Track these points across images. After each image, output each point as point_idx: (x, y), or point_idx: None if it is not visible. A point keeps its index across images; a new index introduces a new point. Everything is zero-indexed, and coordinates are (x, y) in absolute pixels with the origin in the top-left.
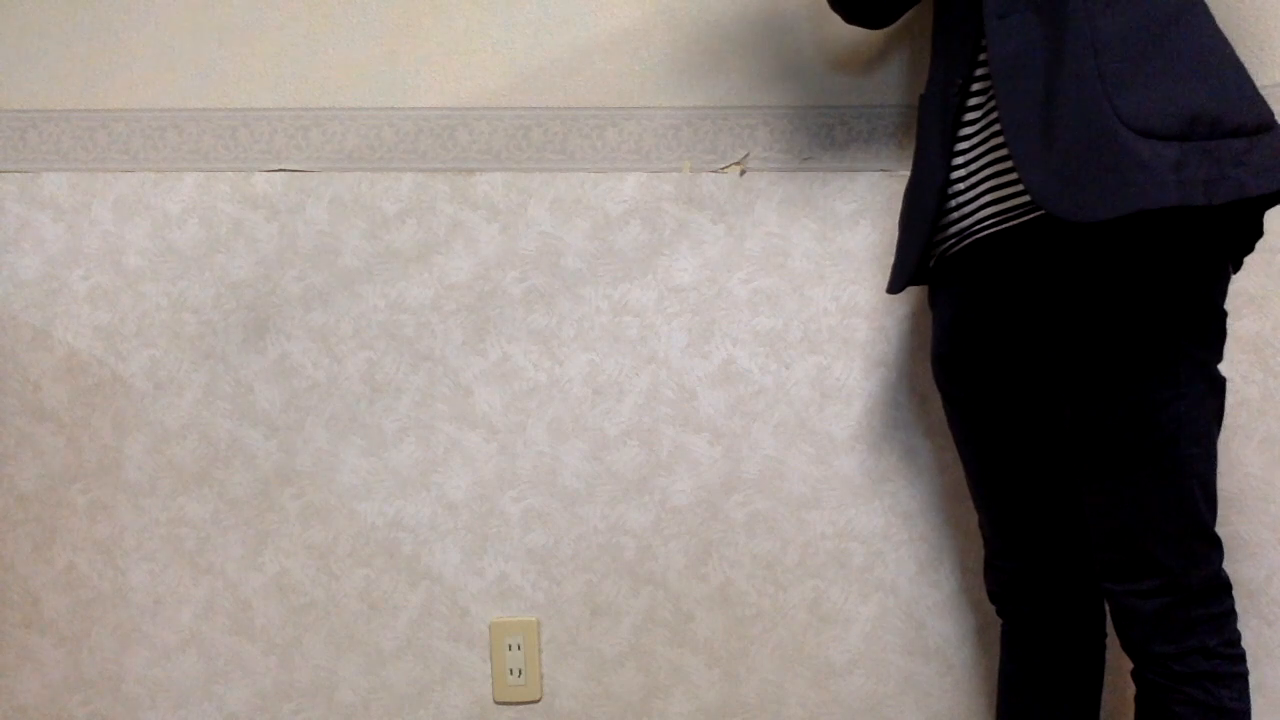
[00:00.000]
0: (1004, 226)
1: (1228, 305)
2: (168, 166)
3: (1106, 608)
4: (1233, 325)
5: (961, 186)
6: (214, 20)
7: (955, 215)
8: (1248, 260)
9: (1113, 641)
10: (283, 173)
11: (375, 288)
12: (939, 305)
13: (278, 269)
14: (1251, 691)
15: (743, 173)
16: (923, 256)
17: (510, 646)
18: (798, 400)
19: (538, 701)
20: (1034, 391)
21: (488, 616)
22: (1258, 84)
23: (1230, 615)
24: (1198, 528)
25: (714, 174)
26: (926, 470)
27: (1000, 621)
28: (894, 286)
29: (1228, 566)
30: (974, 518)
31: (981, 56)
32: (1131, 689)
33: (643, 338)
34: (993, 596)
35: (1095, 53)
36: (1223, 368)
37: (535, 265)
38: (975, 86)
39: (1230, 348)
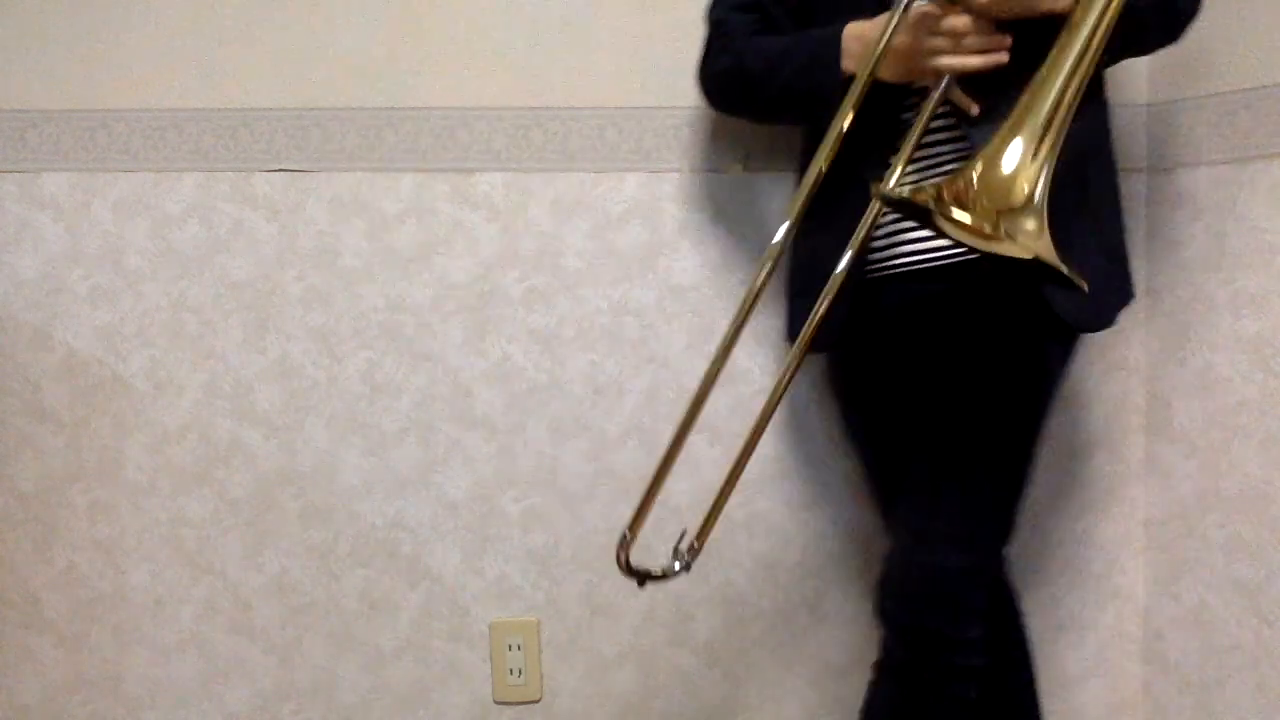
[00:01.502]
0: (922, 267)
1: (1226, 305)
2: (168, 166)
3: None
4: (1233, 325)
5: (882, 234)
6: (214, 20)
7: (873, 258)
8: (1247, 260)
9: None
10: (283, 173)
11: (375, 288)
12: (869, 305)
13: (278, 269)
14: (1251, 691)
15: (743, 172)
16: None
17: (510, 646)
18: (797, 400)
19: (538, 701)
20: (927, 384)
21: (488, 616)
22: (1258, 84)
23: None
24: (1019, 510)
25: (714, 174)
26: None
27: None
28: (821, 344)
29: (1227, 566)
30: None
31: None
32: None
33: (643, 338)
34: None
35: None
36: (1222, 367)
37: (535, 265)
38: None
39: (1230, 347)
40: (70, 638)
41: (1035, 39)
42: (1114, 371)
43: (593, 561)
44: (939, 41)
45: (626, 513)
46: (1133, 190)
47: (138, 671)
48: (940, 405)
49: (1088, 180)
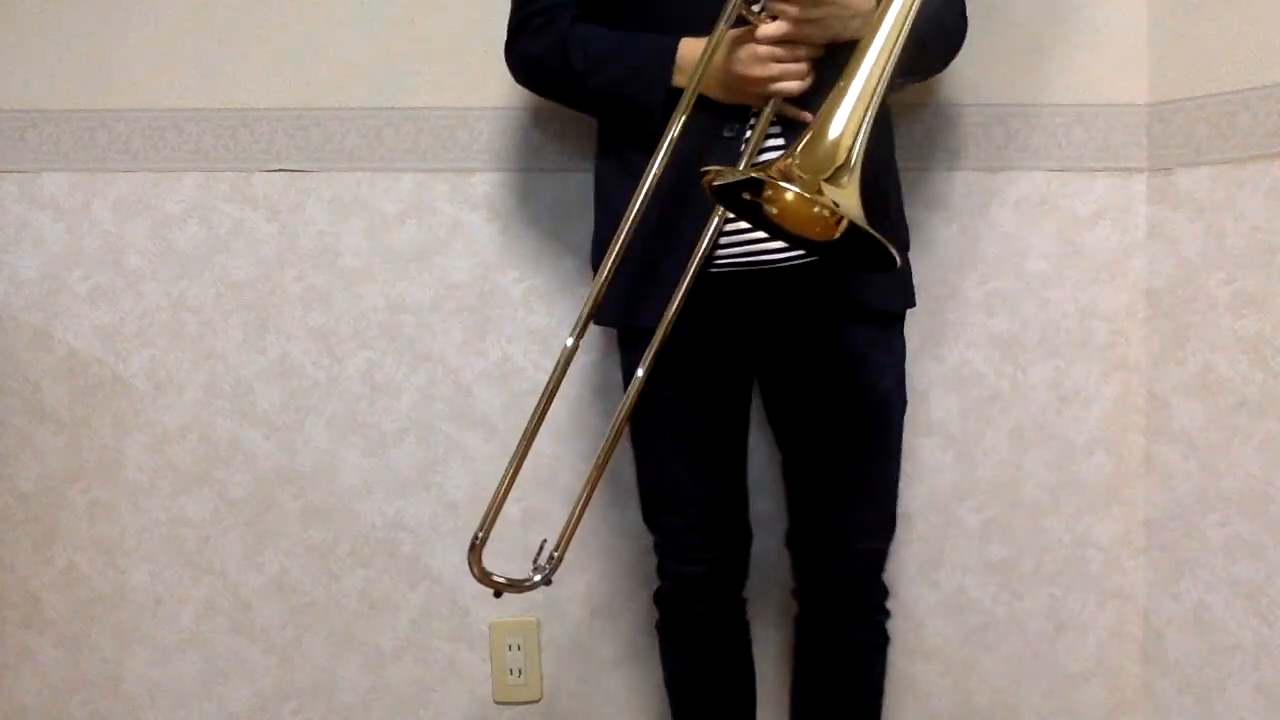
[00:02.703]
0: (767, 267)
1: (1226, 305)
2: (168, 166)
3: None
4: (1233, 325)
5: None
6: (214, 20)
7: (725, 243)
8: (1246, 260)
9: None
10: (283, 173)
11: (375, 288)
12: (697, 309)
13: (278, 269)
14: (1252, 691)
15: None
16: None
17: (510, 646)
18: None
19: (538, 701)
20: (761, 381)
21: (488, 616)
22: (1258, 84)
23: None
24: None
25: None
26: (926, 470)
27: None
28: (649, 318)
29: (1227, 566)
30: (974, 518)
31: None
32: None
33: None
34: (675, 597)
35: (879, 172)
36: (1222, 367)
37: (535, 265)
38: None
39: (1230, 347)
40: (70, 638)
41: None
42: (1114, 371)
43: (593, 562)
44: (764, 69)
45: (624, 511)
46: (1133, 190)
47: (138, 671)
48: (796, 405)
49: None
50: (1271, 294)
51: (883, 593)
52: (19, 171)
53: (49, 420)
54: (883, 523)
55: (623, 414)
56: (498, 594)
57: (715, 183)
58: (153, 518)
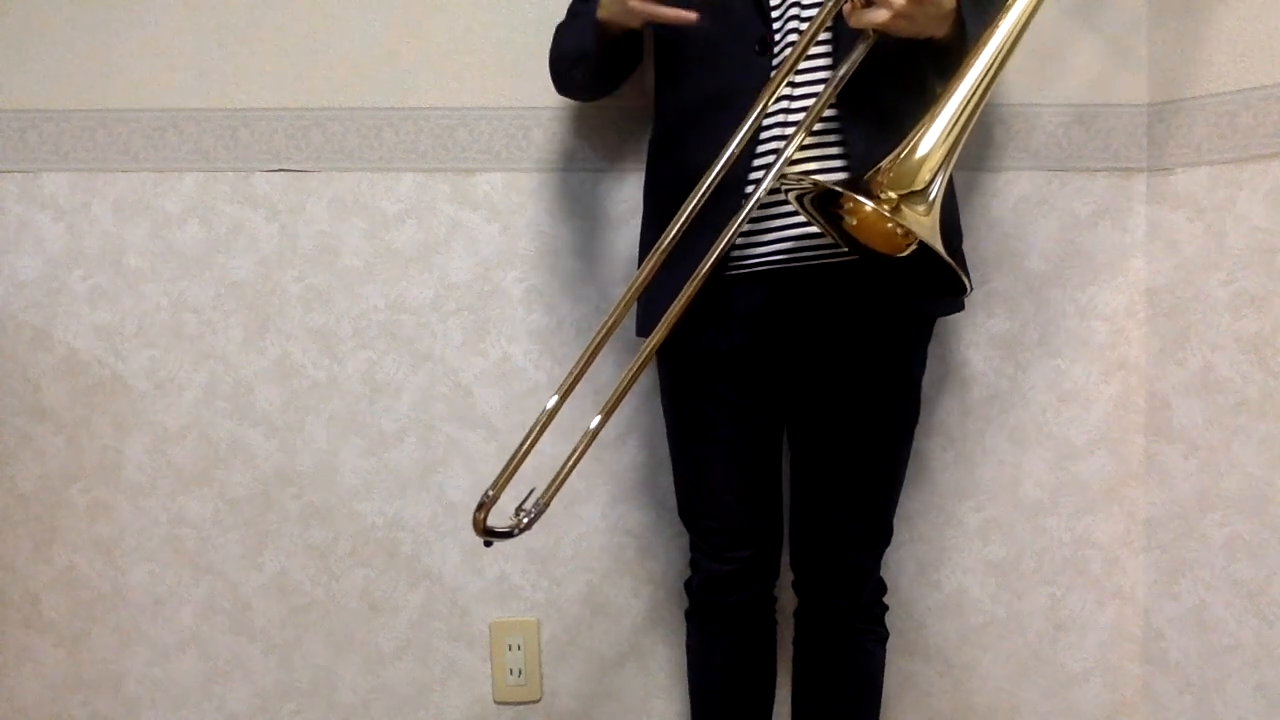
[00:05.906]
0: (809, 263)
1: (1226, 305)
2: (168, 166)
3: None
4: (1233, 325)
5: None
6: (214, 20)
7: (747, 243)
8: (1246, 260)
9: None
10: (283, 173)
11: (375, 288)
12: (726, 307)
13: (278, 269)
14: (1252, 691)
15: None
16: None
17: (510, 646)
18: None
19: (538, 701)
20: (793, 384)
21: (488, 616)
22: (1258, 84)
23: None
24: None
25: None
26: (926, 470)
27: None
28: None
29: (1227, 566)
30: (974, 517)
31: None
32: None
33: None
34: (705, 590)
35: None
36: (1222, 367)
37: (535, 265)
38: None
39: (1230, 347)
40: (70, 638)
41: (905, 56)
42: (1114, 371)
43: (593, 562)
44: None
45: (624, 511)
46: (1133, 190)
47: (138, 671)
48: (829, 406)
49: None
50: (1271, 294)
51: (880, 588)
52: (19, 171)
53: (49, 420)
54: (881, 533)
55: (626, 378)
56: (488, 544)
57: (794, 192)
58: (153, 518)
